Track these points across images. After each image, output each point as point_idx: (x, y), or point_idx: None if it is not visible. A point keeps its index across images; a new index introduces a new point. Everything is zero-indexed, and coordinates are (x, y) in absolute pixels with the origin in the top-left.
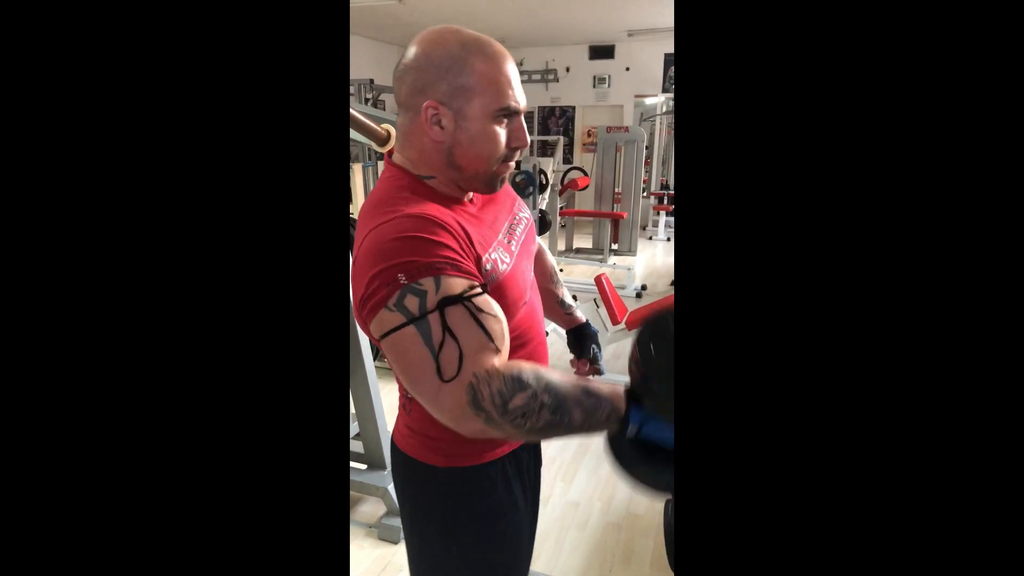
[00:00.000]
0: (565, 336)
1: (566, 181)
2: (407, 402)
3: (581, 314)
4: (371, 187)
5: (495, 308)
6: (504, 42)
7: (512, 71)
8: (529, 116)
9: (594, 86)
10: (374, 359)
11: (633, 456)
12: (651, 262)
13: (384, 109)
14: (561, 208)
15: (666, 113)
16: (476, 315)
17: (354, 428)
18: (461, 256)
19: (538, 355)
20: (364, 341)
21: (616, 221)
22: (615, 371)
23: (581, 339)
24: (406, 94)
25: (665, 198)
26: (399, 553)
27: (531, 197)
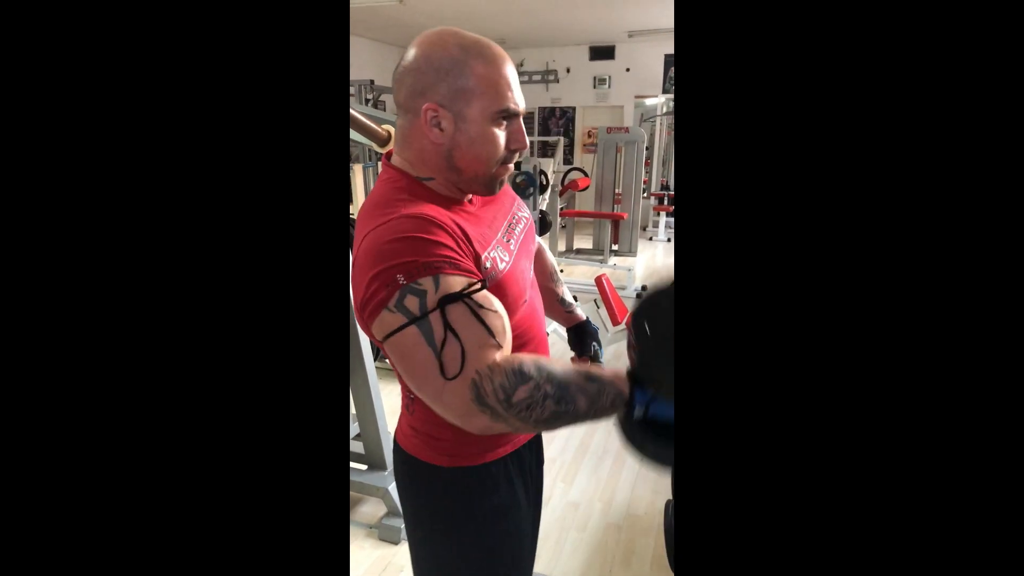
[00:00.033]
0: (566, 335)
1: (566, 182)
2: (410, 402)
3: (581, 312)
4: (371, 187)
5: (495, 303)
6: (504, 43)
7: (511, 73)
8: (529, 117)
9: (594, 87)
10: (374, 359)
11: (643, 435)
12: (651, 263)
13: (384, 110)
14: (561, 209)
15: (666, 114)
16: (477, 311)
17: (354, 429)
18: (459, 255)
19: (539, 354)
20: (364, 341)
21: (616, 222)
22: None
23: (582, 337)
24: (405, 96)
25: (665, 199)
26: (399, 554)
27: (531, 198)
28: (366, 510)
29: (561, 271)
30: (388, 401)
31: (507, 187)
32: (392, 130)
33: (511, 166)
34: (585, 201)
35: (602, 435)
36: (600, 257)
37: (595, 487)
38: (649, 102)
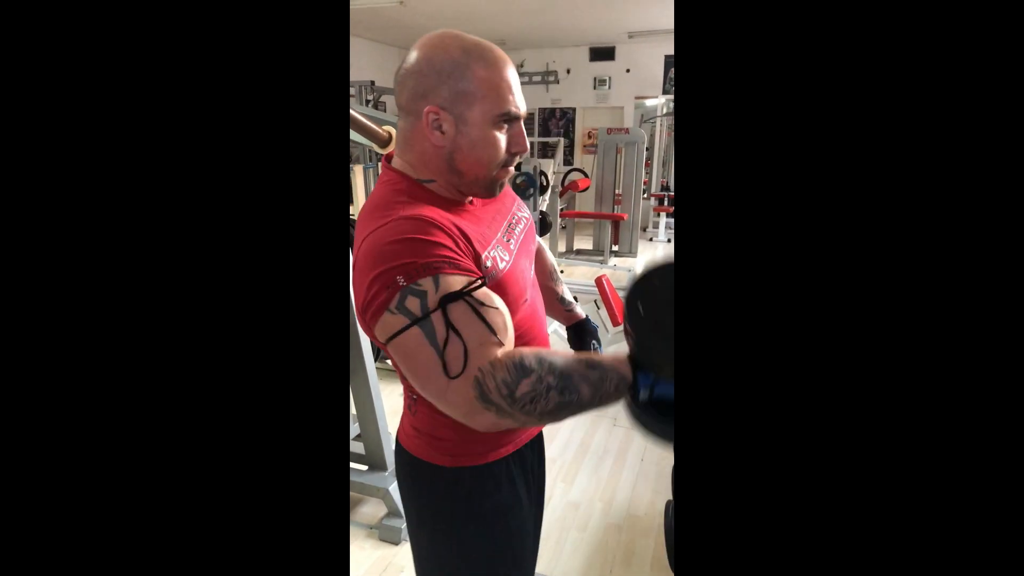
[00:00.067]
0: (566, 334)
1: (567, 183)
2: (413, 403)
3: (581, 310)
4: (372, 188)
5: (496, 300)
6: (505, 44)
7: (513, 76)
8: (529, 118)
9: (594, 88)
10: (374, 360)
11: (650, 417)
12: None
13: (385, 111)
14: (562, 210)
15: (666, 115)
16: (478, 309)
17: (355, 429)
18: (458, 255)
19: None
20: (365, 342)
21: (616, 222)
22: None
23: (581, 335)
24: (407, 99)
25: (665, 199)
26: (400, 554)
27: (532, 199)
28: (366, 510)
29: (561, 272)
30: (389, 401)
31: (507, 187)
32: (393, 131)
33: (512, 169)
34: (585, 202)
35: (602, 435)
36: (600, 258)
37: (595, 487)
38: (649, 103)
